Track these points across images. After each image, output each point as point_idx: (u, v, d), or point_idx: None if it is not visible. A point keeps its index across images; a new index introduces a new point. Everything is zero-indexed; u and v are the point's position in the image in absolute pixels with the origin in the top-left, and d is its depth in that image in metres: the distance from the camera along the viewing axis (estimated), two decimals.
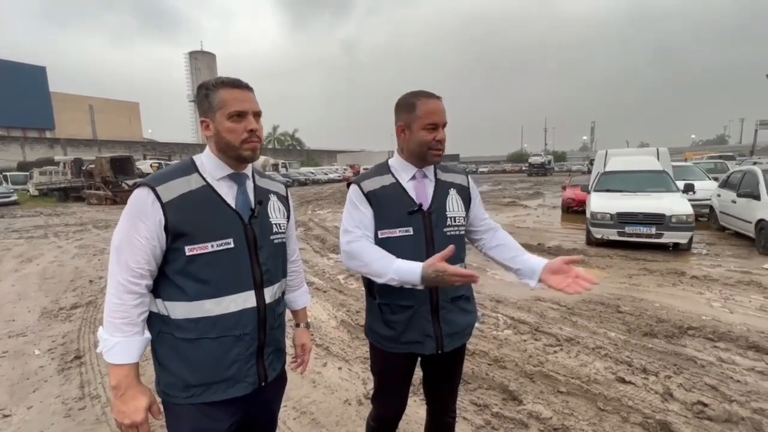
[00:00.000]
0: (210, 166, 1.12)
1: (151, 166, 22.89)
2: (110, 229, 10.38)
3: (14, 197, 19.25)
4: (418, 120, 1.32)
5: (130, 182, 19.11)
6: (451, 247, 1.16)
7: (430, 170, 1.43)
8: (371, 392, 1.63)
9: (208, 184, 1.10)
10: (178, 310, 1.06)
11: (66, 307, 4.38)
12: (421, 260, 1.21)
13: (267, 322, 1.17)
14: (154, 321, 1.09)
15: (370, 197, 1.37)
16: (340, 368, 2.94)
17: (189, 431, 1.09)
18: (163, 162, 24.96)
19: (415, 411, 2.35)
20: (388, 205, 1.35)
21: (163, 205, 1.01)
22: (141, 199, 1.02)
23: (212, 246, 1.05)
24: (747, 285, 4.57)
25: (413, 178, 1.38)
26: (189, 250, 1.04)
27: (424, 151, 1.34)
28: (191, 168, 1.11)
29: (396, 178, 1.39)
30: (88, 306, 4.42)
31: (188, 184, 1.07)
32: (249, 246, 1.12)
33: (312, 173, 36.44)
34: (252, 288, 1.13)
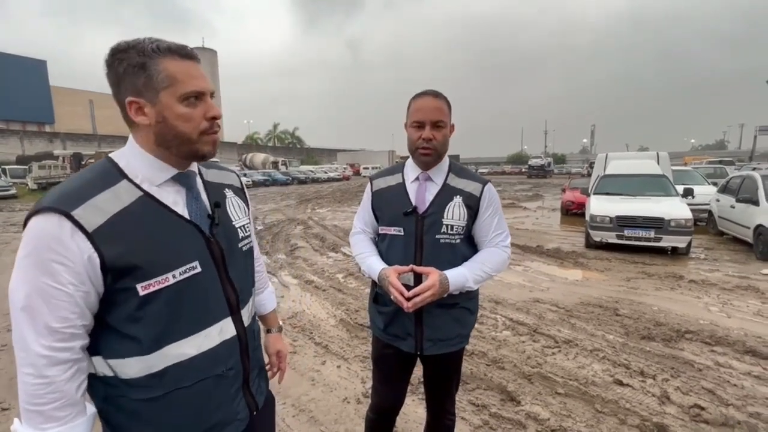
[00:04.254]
0: (144, 168, 0.82)
1: None
2: None
3: (13, 191, 19.22)
4: (408, 118, 1.36)
5: None
6: (409, 267, 1.30)
7: (439, 174, 1.39)
8: (370, 389, 1.65)
9: (147, 194, 0.81)
10: (132, 367, 0.79)
11: None
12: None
13: (248, 347, 0.97)
14: (93, 385, 0.81)
15: (375, 195, 1.47)
16: (338, 366, 2.94)
17: None
18: None
19: (414, 410, 2.36)
20: (388, 204, 1.42)
21: (90, 236, 0.72)
22: (49, 233, 0.71)
23: (174, 276, 0.80)
24: (744, 290, 4.59)
25: (416, 179, 1.40)
26: (143, 289, 0.76)
27: (413, 150, 1.36)
28: (115, 174, 0.79)
29: (403, 179, 1.43)
30: None
31: (117, 198, 0.77)
32: (216, 264, 0.88)
33: (312, 171, 36.45)
34: (228, 314, 0.90)
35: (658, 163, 8.30)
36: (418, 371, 1.61)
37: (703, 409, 2.33)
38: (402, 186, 1.42)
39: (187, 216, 0.85)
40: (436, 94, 1.32)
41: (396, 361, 1.48)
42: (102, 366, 0.80)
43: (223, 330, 0.89)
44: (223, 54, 77.51)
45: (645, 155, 9.25)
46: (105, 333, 0.79)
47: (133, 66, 0.77)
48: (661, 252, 6.48)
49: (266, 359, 1.22)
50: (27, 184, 23.02)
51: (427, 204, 1.36)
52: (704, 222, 8.60)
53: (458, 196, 1.36)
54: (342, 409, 2.43)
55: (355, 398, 2.53)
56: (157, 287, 0.78)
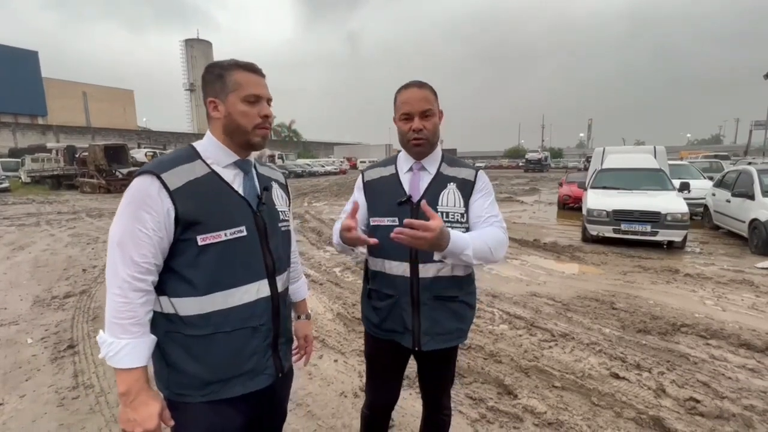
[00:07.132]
0: (214, 152, 1.08)
1: (145, 155, 22.63)
2: (104, 218, 10.27)
3: (5, 184, 18.98)
4: (396, 112, 1.36)
5: (125, 171, 18.91)
6: (355, 208, 1.22)
7: (432, 163, 1.39)
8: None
9: (213, 171, 1.05)
10: (187, 306, 1.01)
11: (59, 296, 4.33)
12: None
13: (280, 312, 1.16)
14: (158, 322, 1.02)
15: (367, 187, 1.46)
16: (336, 361, 2.94)
17: (202, 431, 1.04)
18: (158, 151, 24.69)
19: (411, 404, 2.36)
20: (381, 195, 1.41)
21: (171, 193, 0.96)
22: (144, 188, 0.96)
23: (225, 234, 1.02)
24: (739, 284, 4.62)
25: (410, 169, 1.40)
26: (201, 240, 0.99)
27: (405, 143, 1.36)
28: (193, 155, 1.06)
29: (396, 170, 1.43)
30: (82, 295, 4.38)
31: (193, 170, 1.02)
32: (260, 234, 1.10)
33: (308, 165, 36.24)
34: (265, 277, 1.11)
35: (655, 157, 8.32)
36: (415, 365, 1.60)
37: (698, 402, 2.34)
38: (395, 176, 1.41)
39: (240, 192, 1.09)
40: (420, 84, 1.32)
41: (391, 358, 1.47)
42: (167, 305, 1.02)
43: (260, 289, 1.10)
44: (226, 48, 76.75)
45: (642, 149, 9.25)
46: (171, 276, 1.02)
47: (216, 76, 1.06)
48: (657, 246, 6.52)
49: (295, 343, 1.41)
50: (20, 177, 22.76)
51: (421, 192, 1.35)
52: (700, 216, 8.65)
53: (452, 183, 1.36)
54: (339, 403, 2.43)
55: (353, 392, 2.53)
56: (211, 240, 1.01)
